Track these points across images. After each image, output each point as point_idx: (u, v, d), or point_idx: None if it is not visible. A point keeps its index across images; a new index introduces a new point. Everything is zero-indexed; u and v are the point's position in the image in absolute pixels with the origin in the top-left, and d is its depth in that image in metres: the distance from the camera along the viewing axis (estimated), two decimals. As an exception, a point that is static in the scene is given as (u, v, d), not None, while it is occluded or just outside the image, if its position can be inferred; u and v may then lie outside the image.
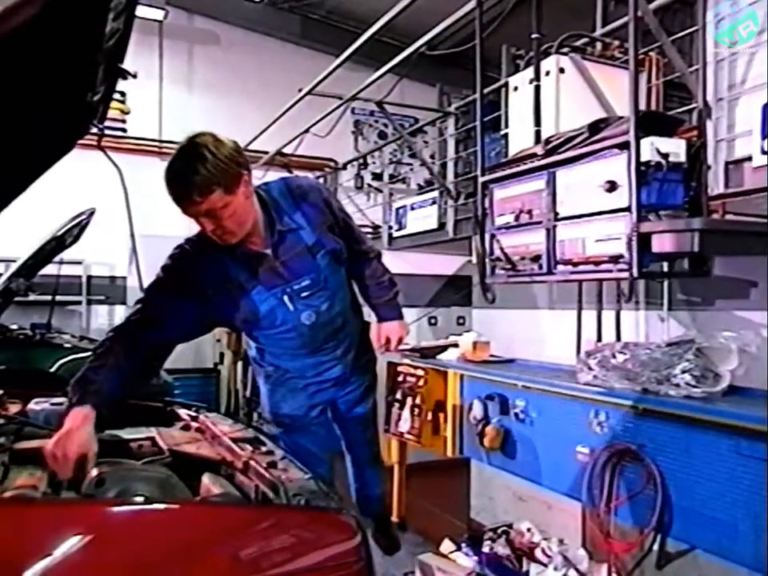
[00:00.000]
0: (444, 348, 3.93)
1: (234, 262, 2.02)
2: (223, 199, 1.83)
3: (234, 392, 6.97)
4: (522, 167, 2.89)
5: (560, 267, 2.70)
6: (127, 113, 7.30)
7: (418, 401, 3.63)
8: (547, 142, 2.79)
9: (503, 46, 5.27)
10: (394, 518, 3.62)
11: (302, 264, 2.07)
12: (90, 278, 7.14)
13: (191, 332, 2.10)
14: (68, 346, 5.04)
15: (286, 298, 2.06)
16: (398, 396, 3.73)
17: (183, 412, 2.29)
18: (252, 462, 1.67)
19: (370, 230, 6.90)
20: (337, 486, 2.46)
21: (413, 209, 5.87)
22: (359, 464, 2.66)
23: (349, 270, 2.29)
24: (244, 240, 1.99)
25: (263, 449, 1.84)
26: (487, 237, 3.09)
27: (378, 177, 8.02)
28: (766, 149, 2.37)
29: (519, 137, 3.26)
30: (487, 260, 3.07)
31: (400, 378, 3.77)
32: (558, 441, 2.86)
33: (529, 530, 2.85)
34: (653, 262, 2.49)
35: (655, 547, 2.40)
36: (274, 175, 7.59)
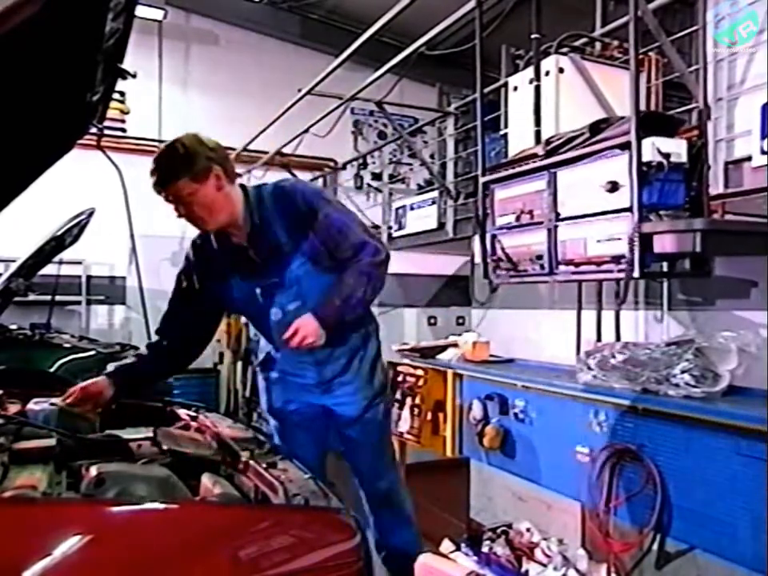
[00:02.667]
0: (443, 348, 3.93)
1: (222, 254, 2.20)
2: (190, 187, 2.02)
3: (233, 392, 6.97)
4: (523, 167, 2.89)
5: (561, 267, 2.70)
6: (127, 113, 7.30)
7: (417, 401, 3.63)
8: (548, 142, 2.79)
9: (503, 46, 5.27)
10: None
11: (275, 261, 2.15)
12: (89, 277, 7.13)
13: (202, 321, 2.32)
14: (67, 345, 5.03)
15: (258, 290, 2.19)
16: (398, 396, 3.73)
17: (183, 412, 2.28)
18: (252, 462, 1.67)
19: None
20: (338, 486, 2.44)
21: (412, 209, 5.87)
22: (372, 505, 2.46)
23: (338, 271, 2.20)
24: (228, 233, 2.17)
25: (263, 449, 1.84)
26: (488, 237, 3.10)
27: (377, 177, 8.01)
28: (765, 149, 2.37)
29: (519, 137, 3.26)
30: (489, 260, 3.07)
31: (399, 378, 3.77)
32: (558, 441, 2.86)
33: (528, 529, 2.85)
34: (654, 262, 2.50)
35: (654, 547, 2.41)
36: (273, 175, 7.61)
